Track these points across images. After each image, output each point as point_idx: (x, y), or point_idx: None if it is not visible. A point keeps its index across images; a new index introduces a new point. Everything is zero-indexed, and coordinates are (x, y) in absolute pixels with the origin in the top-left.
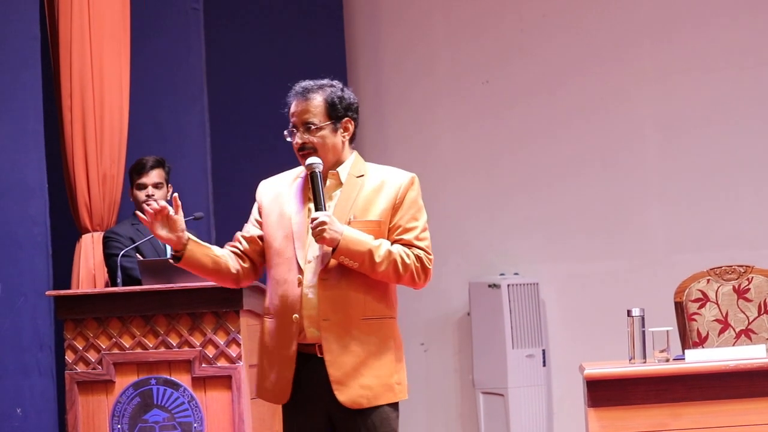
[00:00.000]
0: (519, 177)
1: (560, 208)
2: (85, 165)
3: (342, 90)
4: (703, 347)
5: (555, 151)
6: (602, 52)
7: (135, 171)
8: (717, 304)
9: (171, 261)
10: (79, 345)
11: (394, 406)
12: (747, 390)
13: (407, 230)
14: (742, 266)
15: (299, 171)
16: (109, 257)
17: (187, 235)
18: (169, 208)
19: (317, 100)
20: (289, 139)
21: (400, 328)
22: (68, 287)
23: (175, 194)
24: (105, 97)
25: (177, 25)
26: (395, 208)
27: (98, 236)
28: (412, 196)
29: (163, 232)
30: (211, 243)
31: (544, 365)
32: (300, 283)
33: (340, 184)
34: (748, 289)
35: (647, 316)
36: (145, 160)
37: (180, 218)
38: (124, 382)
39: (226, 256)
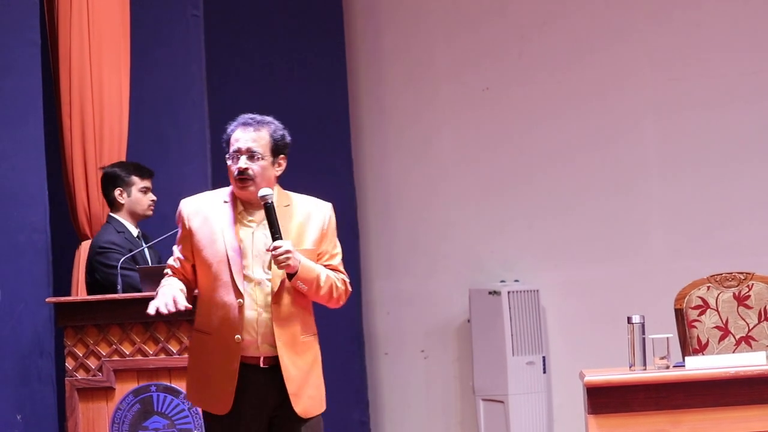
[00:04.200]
0: (519, 183)
1: (561, 215)
2: (85, 172)
3: (283, 129)
4: (703, 354)
5: (555, 158)
6: (602, 54)
7: (138, 173)
8: (717, 311)
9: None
10: (80, 352)
11: (318, 417)
12: (747, 397)
13: (333, 256)
14: (742, 273)
15: (223, 194)
16: (110, 268)
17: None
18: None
19: (264, 133)
20: (229, 163)
21: (401, 335)
22: (68, 294)
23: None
24: (104, 103)
25: (177, 32)
26: (323, 236)
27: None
28: (334, 224)
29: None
30: None
31: (545, 372)
32: (241, 306)
33: None
34: (749, 296)
35: (647, 323)
36: (146, 166)
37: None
38: (124, 388)
39: (184, 287)
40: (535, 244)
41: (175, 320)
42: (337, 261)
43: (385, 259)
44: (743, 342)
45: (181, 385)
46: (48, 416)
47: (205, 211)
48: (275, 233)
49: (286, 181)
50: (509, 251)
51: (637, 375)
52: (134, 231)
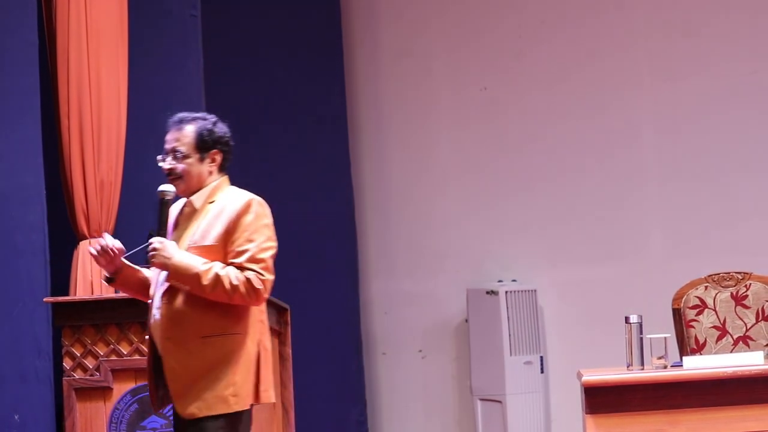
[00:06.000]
0: (517, 183)
1: (558, 215)
2: (83, 171)
3: (213, 124)
4: (700, 354)
5: (553, 157)
6: (600, 57)
7: None
8: (715, 310)
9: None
10: (77, 352)
11: (229, 417)
12: (745, 397)
13: (239, 254)
14: (740, 273)
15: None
16: None
17: (122, 260)
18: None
19: (188, 131)
20: (161, 164)
21: (399, 335)
22: (66, 294)
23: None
24: (102, 103)
25: (175, 32)
26: (229, 232)
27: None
28: (248, 219)
29: (105, 263)
30: None
31: (542, 372)
32: (150, 306)
33: (195, 210)
34: (746, 296)
35: (645, 323)
36: None
37: (117, 250)
38: (122, 388)
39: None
40: (532, 244)
41: None
42: (245, 258)
43: (383, 259)
44: (741, 342)
45: None
46: (46, 416)
47: (173, 215)
48: (158, 230)
49: (286, 182)
50: (507, 251)
51: (635, 375)
52: None
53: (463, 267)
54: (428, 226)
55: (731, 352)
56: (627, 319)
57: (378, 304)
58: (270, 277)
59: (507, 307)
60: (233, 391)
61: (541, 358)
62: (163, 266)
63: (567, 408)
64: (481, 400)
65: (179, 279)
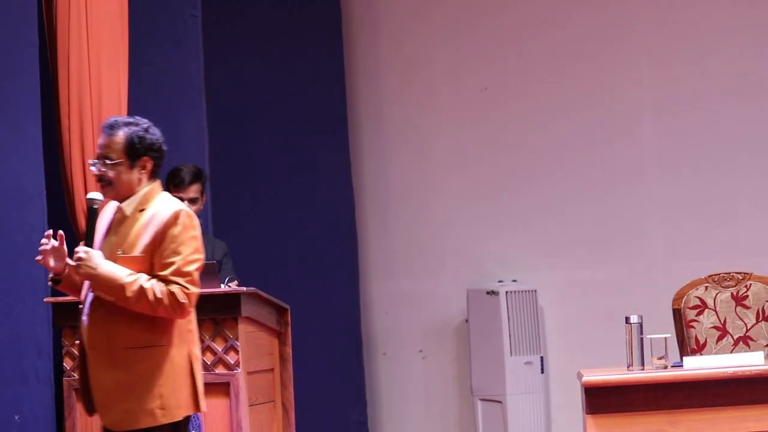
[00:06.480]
0: (517, 183)
1: (559, 215)
2: (83, 172)
3: (145, 130)
4: (701, 354)
5: (553, 158)
6: (600, 56)
7: (172, 183)
8: (715, 311)
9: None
10: (77, 352)
11: (157, 430)
12: (745, 397)
13: (164, 266)
14: (740, 273)
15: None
16: None
17: (67, 261)
18: (55, 243)
19: (119, 137)
20: (92, 169)
21: (399, 335)
22: (66, 294)
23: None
24: (103, 103)
25: (175, 33)
26: (156, 243)
27: None
28: (175, 231)
29: (53, 263)
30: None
31: (543, 372)
32: (80, 313)
33: (125, 218)
34: (747, 296)
35: (645, 323)
36: (183, 174)
37: (65, 249)
38: None
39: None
40: (532, 244)
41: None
42: (170, 271)
43: (384, 259)
44: (741, 342)
45: None
46: (46, 416)
47: (103, 219)
48: (86, 238)
49: (286, 182)
50: (507, 251)
51: (635, 375)
52: None
53: (464, 267)
54: (428, 226)
55: (731, 352)
56: (627, 320)
57: (378, 304)
58: (195, 290)
59: (507, 308)
60: (160, 404)
61: (542, 358)
62: (88, 276)
63: (567, 408)
64: (482, 400)
65: (104, 290)
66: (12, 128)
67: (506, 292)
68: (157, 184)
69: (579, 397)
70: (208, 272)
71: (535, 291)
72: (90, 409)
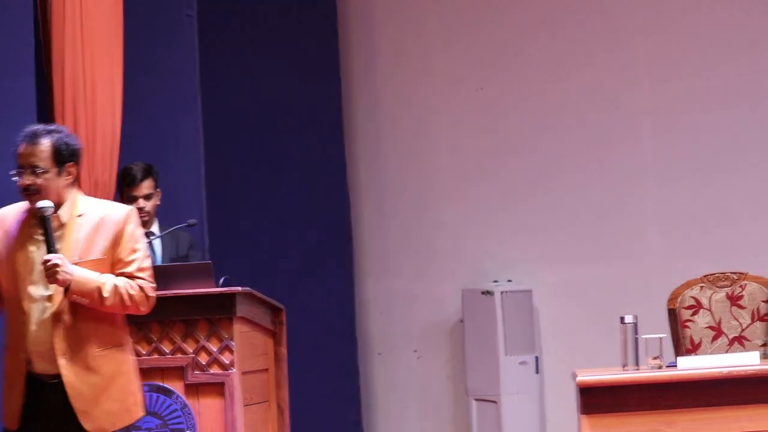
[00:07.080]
0: (513, 184)
1: (554, 215)
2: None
3: (68, 136)
4: (696, 354)
5: (549, 158)
6: (597, 58)
7: (125, 182)
8: (710, 311)
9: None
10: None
11: (130, 426)
12: (740, 397)
13: (128, 263)
14: (735, 273)
15: (22, 207)
16: None
17: None
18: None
19: (45, 145)
20: (15, 179)
21: (394, 335)
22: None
23: None
24: (97, 104)
25: (171, 32)
26: (115, 243)
27: None
28: (130, 229)
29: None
30: (205, 249)
31: (537, 372)
32: (24, 324)
33: (62, 225)
34: (742, 296)
35: (640, 323)
36: (134, 172)
37: None
38: None
39: None
40: (528, 244)
41: (168, 321)
42: (134, 267)
43: (379, 259)
44: (736, 342)
45: (173, 385)
46: None
47: (7, 225)
48: (49, 246)
49: (283, 182)
50: (502, 251)
51: (630, 375)
52: None
53: (459, 267)
54: (424, 227)
55: (726, 352)
56: (622, 320)
57: (374, 304)
58: (154, 284)
59: (502, 308)
60: (134, 401)
61: (537, 358)
62: (65, 282)
63: (562, 408)
64: (476, 400)
65: (81, 294)
66: (6, 129)
67: (501, 292)
68: (78, 189)
69: (574, 397)
70: (203, 272)
71: (530, 291)
72: (16, 421)
